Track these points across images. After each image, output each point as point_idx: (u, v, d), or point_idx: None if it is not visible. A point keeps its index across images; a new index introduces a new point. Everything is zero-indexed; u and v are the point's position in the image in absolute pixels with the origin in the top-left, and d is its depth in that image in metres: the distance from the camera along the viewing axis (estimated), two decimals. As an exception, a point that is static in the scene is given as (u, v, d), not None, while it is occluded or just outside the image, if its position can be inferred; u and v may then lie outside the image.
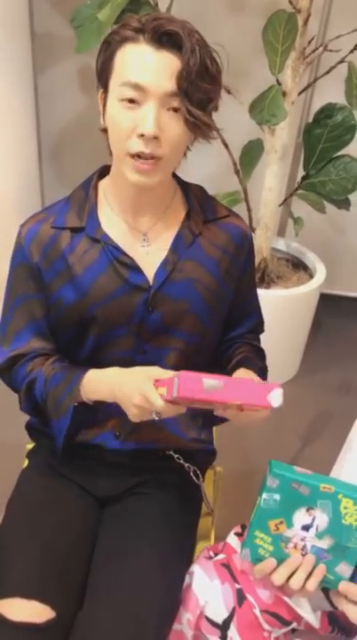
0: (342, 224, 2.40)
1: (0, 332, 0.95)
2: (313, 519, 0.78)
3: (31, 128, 2.02)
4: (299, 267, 2.21)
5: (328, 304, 2.41)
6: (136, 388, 0.79)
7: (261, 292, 1.11)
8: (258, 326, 1.07)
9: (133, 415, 0.81)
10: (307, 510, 0.78)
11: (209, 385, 0.73)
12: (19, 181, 2.00)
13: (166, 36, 0.76)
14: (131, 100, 0.77)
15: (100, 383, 0.86)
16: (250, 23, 1.91)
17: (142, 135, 0.77)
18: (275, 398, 0.76)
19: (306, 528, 0.79)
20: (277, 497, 0.77)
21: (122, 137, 0.79)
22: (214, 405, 0.80)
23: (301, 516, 0.78)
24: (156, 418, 0.78)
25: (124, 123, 0.78)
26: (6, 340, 0.94)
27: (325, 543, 0.78)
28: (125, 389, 0.81)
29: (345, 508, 0.78)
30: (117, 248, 0.89)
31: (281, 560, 0.79)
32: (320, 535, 0.78)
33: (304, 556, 0.78)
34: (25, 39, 1.88)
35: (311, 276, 2.10)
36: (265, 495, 0.77)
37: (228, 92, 1.83)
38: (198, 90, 0.77)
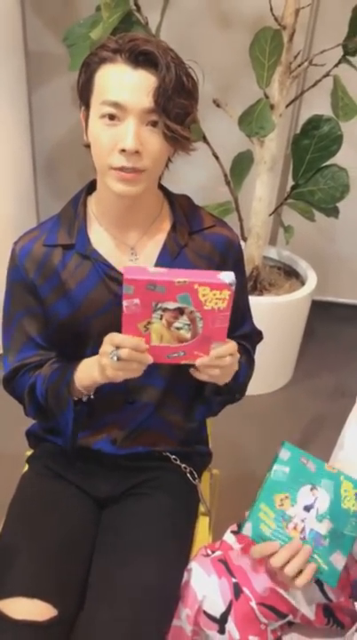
0: (332, 232, 2.45)
1: (5, 346, 0.98)
2: (316, 499, 0.83)
3: (26, 143, 2.06)
4: (291, 274, 2.26)
5: (319, 310, 2.45)
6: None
7: (254, 299, 1.12)
8: (253, 336, 1.07)
9: (102, 368, 0.82)
10: (311, 489, 0.84)
11: (154, 270, 0.77)
12: (14, 195, 2.04)
13: (142, 56, 0.79)
14: (112, 117, 0.80)
15: (87, 363, 0.89)
16: (238, 39, 1.97)
17: (123, 150, 0.80)
18: (227, 275, 0.77)
19: (308, 509, 0.83)
20: (287, 470, 0.83)
21: (104, 152, 0.82)
22: (183, 352, 0.80)
23: (305, 494, 0.83)
24: (115, 358, 0.78)
25: (106, 139, 0.81)
26: (11, 352, 0.97)
27: (324, 527, 0.82)
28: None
29: (346, 491, 0.84)
30: (106, 264, 0.92)
31: (282, 538, 0.82)
32: (320, 518, 0.83)
33: (302, 539, 0.81)
34: (19, 57, 1.93)
35: (302, 284, 2.14)
36: (275, 467, 0.82)
37: (218, 105, 1.88)
38: (175, 105, 0.80)
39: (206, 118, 0.91)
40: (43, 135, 2.32)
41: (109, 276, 0.92)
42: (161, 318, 0.78)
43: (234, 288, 0.76)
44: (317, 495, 0.84)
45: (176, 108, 0.81)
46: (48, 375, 0.93)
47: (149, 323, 0.79)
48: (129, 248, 0.94)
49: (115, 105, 0.80)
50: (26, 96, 2.02)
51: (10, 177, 2.01)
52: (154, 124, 0.81)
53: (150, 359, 0.81)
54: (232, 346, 0.83)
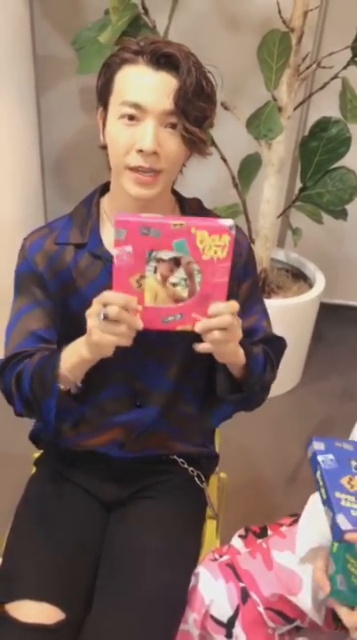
0: (340, 234, 2.44)
1: (5, 339, 0.97)
2: None
3: (34, 145, 2.08)
4: (299, 277, 2.25)
5: (328, 313, 2.44)
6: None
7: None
8: (273, 341, 1.00)
9: (89, 332, 0.77)
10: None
11: (148, 214, 0.72)
12: (23, 196, 2.05)
13: (164, 58, 0.80)
14: (131, 118, 0.81)
15: (74, 342, 0.84)
16: (246, 42, 1.96)
17: (141, 150, 0.81)
18: (226, 221, 0.71)
19: None
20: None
21: (121, 152, 0.83)
22: (180, 314, 0.75)
23: None
24: (101, 316, 0.73)
25: (124, 139, 0.82)
26: (9, 346, 0.95)
27: None
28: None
29: None
30: None
31: (353, 591, 0.75)
32: None
33: None
34: (28, 61, 1.95)
35: (310, 286, 2.14)
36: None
37: (226, 108, 1.88)
38: (194, 108, 0.81)
39: (214, 121, 0.92)
40: (51, 137, 2.33)
41: None
42: (155, 272, 0.72)
43: (233, 234, 0.71)
44: None
45: (195, 111, 0.81)
46: (35, 361, 0.89)
47: (142, 277, 0.73)
48: None
49: (135, 105, 0.80)
50: (34, 99, 2.04)
51: (18, 178, 2.02)
52: (172, 126, 0.81)
53: (140, 323, 0.74)
54: (232, 304, 0.76)
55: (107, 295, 0.74)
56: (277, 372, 1.00)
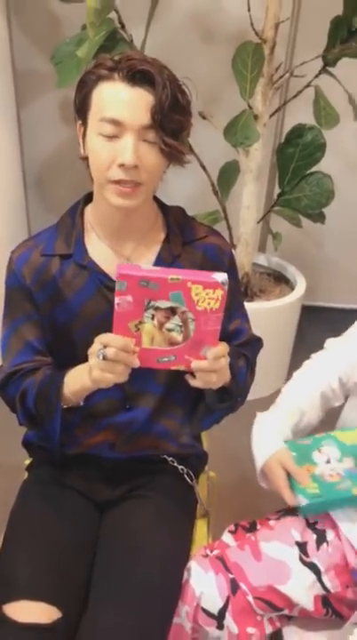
0: (319, 237, 2.50)
1: (2, 352, 1.00)
2: (327, 453, 0.98)
3: (16, 158, 2.10)
4: (281, 280, 2.29)
5: (310, 315, 2.48)
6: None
7: (244, 305, 1.14)
8: (252, 342, 1.06)
9: (89, 368, 0.82)
10: (319, 451, 0.99)
11: (147, 267, 0.79)
12: (5, 209, 2.07)
13: (139, 74, 0.83)
14: (110, 134, 0.84)
15: (78, 369, 0.90)
16: (221, 53, 2.02)
17: (122, 165, 0.84)
18: (219, 276, 0.77)
19: (328, 461, 0.97)
20: (294, 453, 0.98)
21: (103, 167, 0.86)
22: (174, 355, 0.81)
23: (317, 456, 0.98)
24: (101, 357, 0.78)
25: (105, 154, 0.85)
26: (7, 358, 0.99)
27: (349, 462, 0.95)
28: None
29: (343, 438, 1.01)
30: (103, 274, 0.94)
31: (331, 487, 0.93)
32: (340, 460, 0.97)
33: (343, 478, 0.94)
34: (7, 76, 1.98)
35: (292, 289, 2.18)
36: None
37: (203, 117, 1.93)
38: (171, 121, 0.84)
39: (192, 130, 0.95)
40: (32, 149, 2.36)
41: (106, 286, 0.94)
42: (152, 318, 0.78)
43: (226, 288, 0.76)
44: (325, 451, 0.99)
45: (172, 124, 0.84)
46: (39, 380, 0.94)
47: (141, 322, 0.78)
48: (125, 258, 0.96)
49: (114, 122, 0.83)
50: (15, 113, 2.06)
51: (1, 192, 2.04)
52: (151, 139, 0.84)
53: (136, 362, 0.80)
54: (225, 347, 0.84)
55: (106, 337, 0.80)
56: (255, 372, 1.08)
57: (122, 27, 1.74)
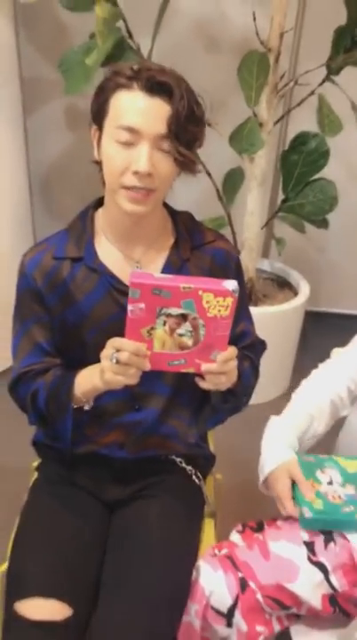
0: (322, 243, 2.52)
1: (13, 353, 1.02)
2: (330, 475, 1.01)
3: (22, 165, 2.13)
4: (284, 285, 2.31)
5: (314, 321, 2.50)
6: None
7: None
8: (256, 345, 1.10)
9: (102, 371, 0.84)
10: (322, 471, 1.01)
11: (160, 275, 0.81)
12: (11, 215, 2.09)
13: (158, 85, 0.85)
14: (127, 141, 0.86)
15: (89, 369, 0.92)
16: (226, 61, 2.05)
17: (137, 172, 0.86)
18: (230, 283, 0.79)
19: (330, 483, 1.00)
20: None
21: (117, 172, 0.88)
22: (185, 359, 0.83)
23: (321, 476, 1.00)
24: (114, 360, 0.81)
25: (120, 160, 0.87)
26: (18, 358, 1.01)
27: (351, 489, 0.99)
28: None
29: (345, 464, 1.03)
30: (113, 276, 0.96)
31: (335, 508, 0.95)
32: (342, 484, 1.00)
33: (344, 503, 0.96)
34: (14, 83, 2.01)
35: (295, 294, 2.20)
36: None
37: (209, 124, 1.95)
38: (186, 132, 0.86)
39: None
40: (38, 156, 2.38)
41: (116, 289, 0.96)
42: (164, 324, 0.81)
43: (236, 295, 0.79)
44: (328, 472, 1.01)
45: (187, 135, 0.87)
46: (50, 381, 0.96)
47: (153, 328, 0.81)
48: (134, 262, 0.98)
49: (131, 129, 0.85)
50: (21, 120, 2.09)
51: (7, 198, 2.06)
52: (165, 148, 0.87)
53: (148, 365, 0.83)
54: (234, 350, 0.86)
55: (119, 341, 0.82)
56: (259, 374, 1.10)
57: (130, 36, 1.77)
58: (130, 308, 0.79)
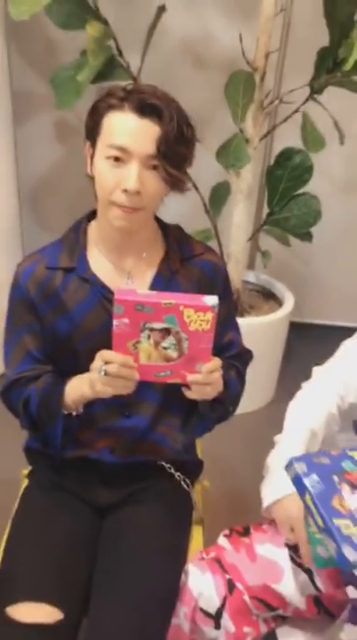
0: (307, 256, 2.57)
1: (5, 360, 1.04)
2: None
3: (11, 176, 2.15)
4: (270, 297, 2.36)
5: (298, 332, 2.54)
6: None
7: None
8: (243, 355, 1.13)
9: (92, 383, 0.88)
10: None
11: (143, 292, 0.85)
12: (0, 225, 2.11)
13: (148, 106, 0.88)
14: (117, 159, 0.89)
15: (78, 379, 0.96)
16: (213, 78, 2.10)
17: (126, 190, 0.89)
18: (210, 299, 0.82)
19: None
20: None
21: (107, 189, 0.91)
22: (171, 371, 0.86)
23: (346, 491, 0.81)
24: (102, 372, 0.85)
25: (111, 177, 0.90)
26: (10, 366, 1.03)
27: None
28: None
29: None
30: (104, 287, 0.99)
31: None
32: None
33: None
34: (5, 96, 2.04)
35: (281, 306, 2.25)
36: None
37: (197, 139, 2.00)
38: (175, 153, 0.90)
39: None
40: (27, 168, 2.41)
41: (107, 298, 0.99)
42: (149, 338, 0.85)
43: (216, 311, 0.82)
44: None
45: (176, 156, 0.90)
46: (41, 388, 0.99)
47: (138, 342, 0.85)
48: (125, 272, 1.01)
49: (121, 149, 0.88)
50: (11, 133, 2.12)
51: (-3, 209, 2.08)
52: (154, 167, 0.90)
53: (136, 376, 0.86)
54: (218, 361, 0.90)
55: (107, 354, 0.86)
56: (245, 382, 1.13)
57: (120, 54, 1.82)
58: (115, 323, 0.83)
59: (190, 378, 0.87)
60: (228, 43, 2.08)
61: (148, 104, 0.88)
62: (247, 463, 1.91)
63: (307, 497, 0.80)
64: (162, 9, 1.80)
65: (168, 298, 0.82)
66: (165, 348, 0.85)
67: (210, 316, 0.82)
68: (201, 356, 0.86)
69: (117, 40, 1.79)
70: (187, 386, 0.89)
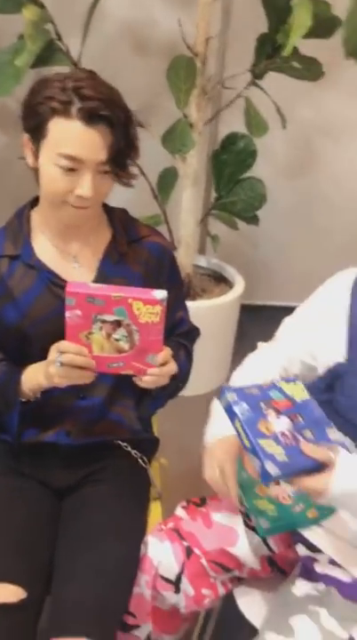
0: (255, 239, 2.64)
1: None
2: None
3: None
4: (221, 280, 2.41)
5: (250, 314, 2.60)
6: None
7: (187, 304, 1.24)
8: (191, 332, 1.19)
9: (50, 375, 0.90)
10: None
11: (94, 285, 0.88)
12: None
13: (98, 117, 0.88)
14: (69, 167, 0.90)
15: (33, 368, 0.97)
16: (156, 64, 2.10)
17: (81, 196, 0.91)
18: (159, 293, 0.86)
19: (278, 482, 0.94)
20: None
21: (59, 194, 0.92)
22: (123, 362, 0.90)
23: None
24: (58, 363, 0.88)
25: (63, 184, 0.91)
26: None
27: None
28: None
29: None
30: (51, 272, 1.00)
31: (285, 513, 0.92)
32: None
33: (293, 502, 0.92)
34: None
35: (232, 289, 2.30)
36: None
37: (141, 126, 2.01)
38: (125, 156, 0.93)
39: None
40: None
41: (54, 283, 1.00)
42: (101, 329, 0.87)
43: (165, 304, 0.85)
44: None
45: (126, 159, 0.93)
46: None
47: (90, 333, 0.88)
48: (72, 257, 1.02)
49: (72, 158, 0.89)
50: None
51: None
52: (106, 171, 0.92)
53: (93, 363, 0.89)
54: (168, 352, 0.93)
55: (62, 344, 0.88)
56: (193, 360, 1.17)
57: (59, 38, 1.80)
58: (67, 314, 0.86)
59: (145, 378, 0.91)
60: (169, 28, 2.08)
61: (98, 115, 0.88)
62: (201, 444, 1.96)
63: (237, 422, 0.86)
64: (100, -7, 1.79)
65: (118, 291, 0.85)
66: (117, 340, 0.88)
67: (158, 309, 0.86)
68: (152, 347, 0.89)
69: (56, 24, 1.77)
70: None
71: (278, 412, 0.87)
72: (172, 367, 0.95)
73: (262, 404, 0.88)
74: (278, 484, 0.97)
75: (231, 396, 0.88)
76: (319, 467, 0.82)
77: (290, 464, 0.81)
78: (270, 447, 0.82)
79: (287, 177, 2.51)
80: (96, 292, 0.84)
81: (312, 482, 0.81)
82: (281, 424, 0.86)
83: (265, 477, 0.80)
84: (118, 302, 0.85)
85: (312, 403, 0.89)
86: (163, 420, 1.32)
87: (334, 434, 0.86)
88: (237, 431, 0.86)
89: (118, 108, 0.91)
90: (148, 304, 0.85)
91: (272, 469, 0.79)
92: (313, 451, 0.81)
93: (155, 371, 0.91)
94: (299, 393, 0.91)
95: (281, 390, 0.91)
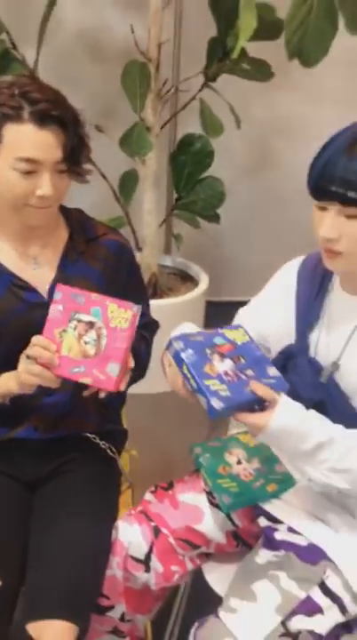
0: (218, 237, 2.70)
1: None
2: (237, 456, 1.07)
3: None
4: (187, 279, 2.47)
5: (217, 310, 2.66)
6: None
7: (153, 302, 1.29)
8: (151, 324, 1.23)
9: (17, 374, 0.95)
10: (229, 452, 1.08)
11: (81, 291, 0.95)
12: None
13: (50, 117, 0.93)
14: (27, 171, 0.94)
15: (5, 376, 1.01)
16: (112, 69, 2.16)
17: (42, 196, 0.95)
18: (135, 305, 0.93)
19: (239, 462, 1.06)
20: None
21: (19, 197, 0.96)
22: (84, 367, 0.93)
23: (229, 458, 1.06)
24: (25, 356, 0.93)
25: (22, 188, 0.95)
26: None
27: (256, 463, 1.06)
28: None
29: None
30: (11, 273, 1.04)
31: (246, 489, 1.00)
32: (248, 461, 1.07)
33: (255, 477, 1.02)
34: None
35: (197, 286, 2.36)
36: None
37: (100, 130, 2.05)
38: (79, 153, 0.98)
39: (91, 143, 1.06)
40: None
41: (15, 284, 1.03)
42: (75, 329, 0.93)
43: (138, 315, 0.92)
44: (234, 452, 1.07)
45: (79, 155, 0.98)
46: None
47: (64, 331, 0.93)
48: (31, 258, 1.06)
49: (29, 160, 0.93)
50: None
51: None
52: (62, 170, 0.97)
53: (56, 360, 0.93)
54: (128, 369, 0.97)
55: (34, 338, 0.94)
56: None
57: (14, 47, 1.83)
58: (51, 307, 0.93)
59: (101, 395, 0.97)
60: (124, 34, 2.14)
61: (50, 115, 0.92)
62: (172, 434, 2.02)
63: (184, 367, 0.91)
64: (52, 2, 1.83)
65: (99, 295, 0.94)
66: (86, 343, 0.93)
67: (129, 314, 0.92)
68: (114, 355, 0.93)
69: (10, 33, 1.80)
70: (85, 387, 0.97)
71: (222, 356, 0.93)
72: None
73: (207, 350, 0.93)
74: (240, 463, 1.03)
75: (178, 344, 0.93)
76: (260, 402, 0.89)
77: (233, 398, 0.88)
78: (214, 385, 0.89)
79: (245, 175, 2.59)
80: (79, 291, 0.93)
81: (254, 418, 0.88)
82: (224, 365, 0.92)
83: (212, 412, 0.87)
84: (96, 303, 0.93)
85: (252, 344, 0.97)
86: (135, 416, 1.37)
87: (274, 371, 0.93)
88: (185, 376, 0.91)
89: (66, 107, 0.96)
90: (122, 307, 0.93)
91: (216, 404, 0.86)
92: (260, 388, 0.88)
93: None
94: (241, 337, 0.98)
95: (223, 336, 0.97)
